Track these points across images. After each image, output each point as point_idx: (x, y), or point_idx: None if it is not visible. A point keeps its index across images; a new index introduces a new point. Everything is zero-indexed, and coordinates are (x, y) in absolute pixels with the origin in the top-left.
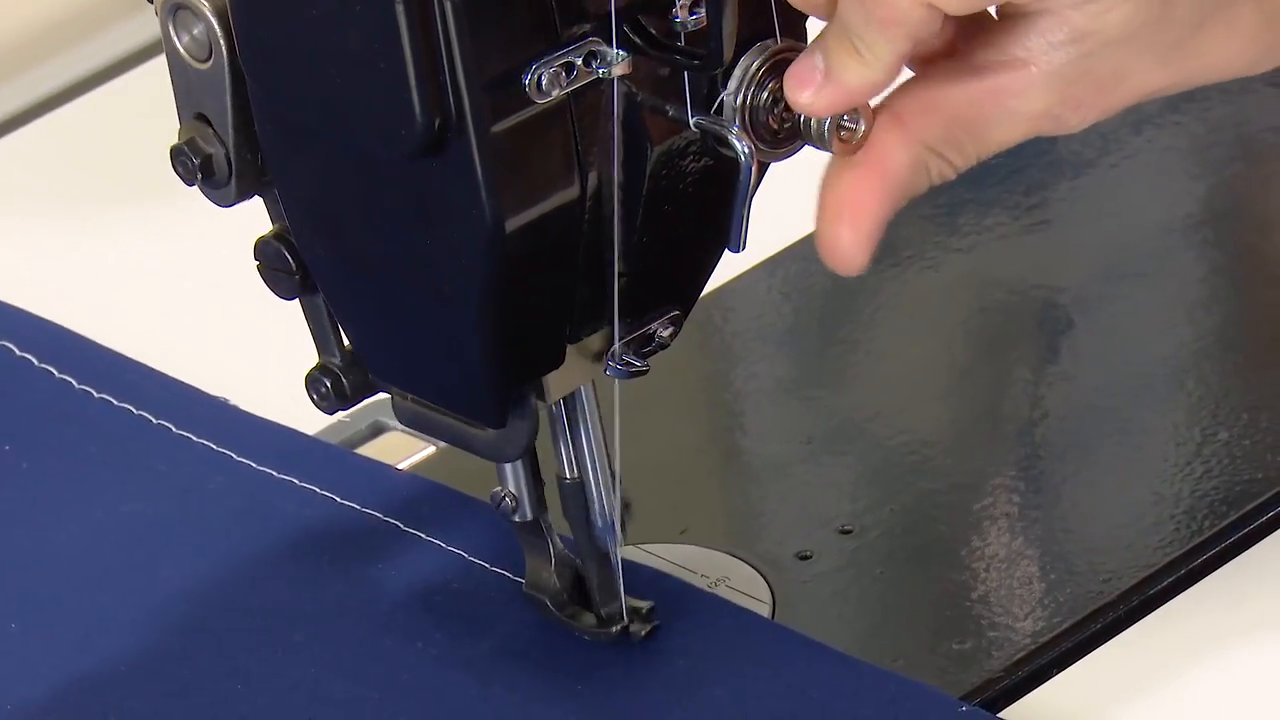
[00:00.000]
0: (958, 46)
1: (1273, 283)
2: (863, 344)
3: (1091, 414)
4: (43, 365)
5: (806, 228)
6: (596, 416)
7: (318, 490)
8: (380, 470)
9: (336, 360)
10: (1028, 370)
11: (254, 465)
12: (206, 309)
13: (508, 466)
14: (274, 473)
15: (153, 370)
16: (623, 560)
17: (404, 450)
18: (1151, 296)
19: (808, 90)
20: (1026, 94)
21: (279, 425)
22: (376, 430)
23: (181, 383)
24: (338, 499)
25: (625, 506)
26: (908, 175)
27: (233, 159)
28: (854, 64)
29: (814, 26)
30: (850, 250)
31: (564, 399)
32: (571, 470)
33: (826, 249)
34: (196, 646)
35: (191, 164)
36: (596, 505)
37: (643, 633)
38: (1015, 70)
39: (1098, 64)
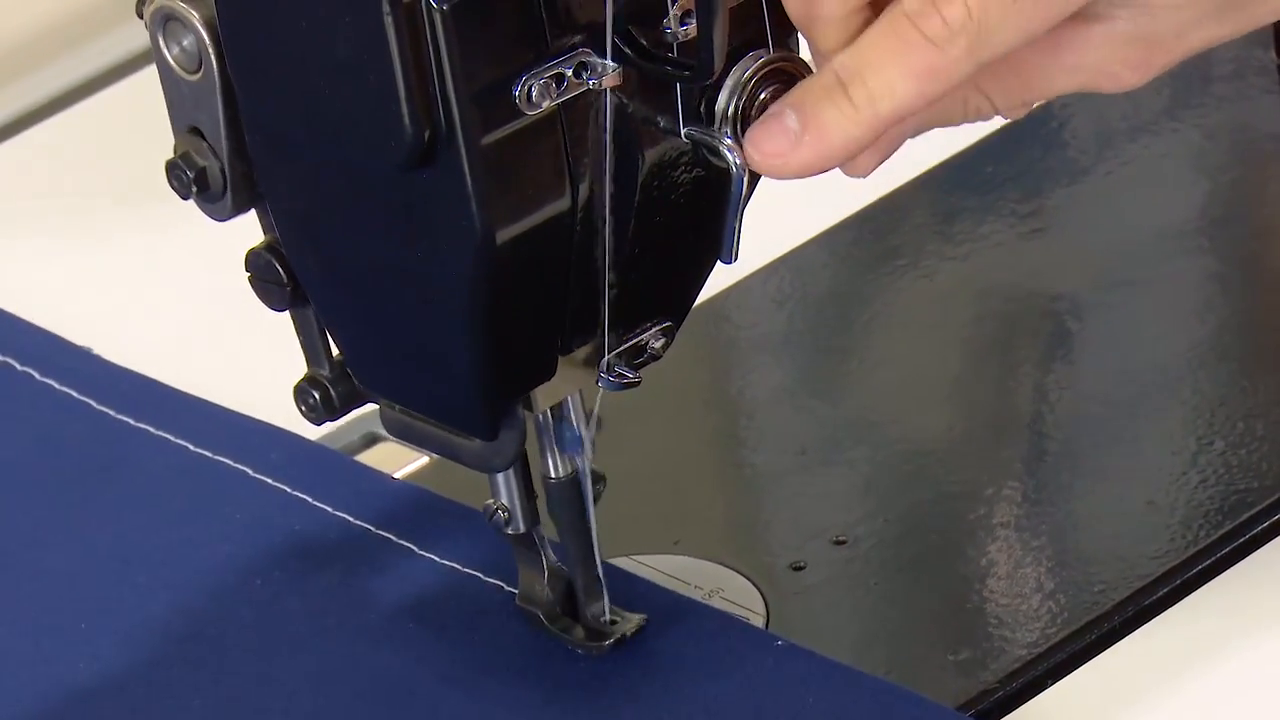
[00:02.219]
0: None
1: (1269, 290)
2: (857, 353)
3: (1087, 423)
4: (36, 375)
5: (799, 237)
6: (584, 425)
7: (311, 500)
8: (373, 478)
9: (325, 372)
10: (1023, 379)
11: (249, 473)
12: (200, 318)
13: (500, 479)
14: (269, 480)
15: (149, 379)
16: (617, 570)
17: (397, 461)
18: (1148, 304)
19: (782, 144)
20: (1084, 50)
21: (275, 428)
22: (370, 441)
23: (177, 391)
24: (330, 509)
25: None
26: (945, 105)
27: (227, 172)
28: (834, 111)
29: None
30: (863, 159)
31: (550, 408)
32: (557, 470)
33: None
34: (188, 659)
35: (186, 178)
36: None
37: (629, 631)
38: (1079, 26)
39: (1160, 24)
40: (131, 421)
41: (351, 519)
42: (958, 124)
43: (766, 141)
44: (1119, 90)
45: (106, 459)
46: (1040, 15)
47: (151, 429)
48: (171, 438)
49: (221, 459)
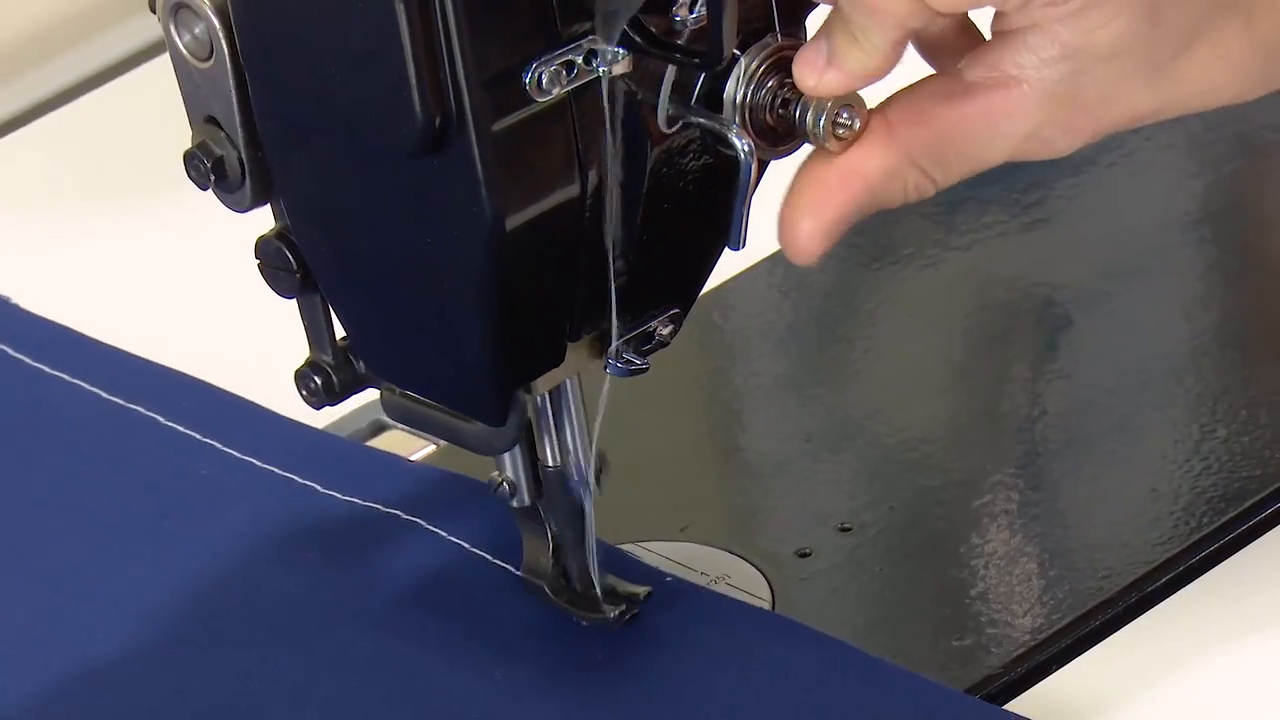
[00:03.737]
0: (957, 57)
1: (1271, 279)
2: (862, 342)
3: (1090, 411)
4: (45, 367)
5: None
6: (581, 409)
7: (319, 488)
8: (381, 459)
9: (328, 357)
10: (1026, 368)
11: (256, 463)
12: (209, 305)
13: (506, 453)
14: (277, 470)
15: (158, 365)
16: (623, 556)
17: (404, 448)
18: (1150, 294)
19: (813, 74)
20: (1017, 114)
21: (281, 416)
22: (377, 429)
23: (187, 376)
24: (338, 494)
25: (601, 461)
26: (883, 182)
27: (245, 161)
28: (854, 51)
29: (814, 22)
30: (806, 241)
31: (549, 391)
32: (554, 458)
33: (784, 232)
34: (194, 641)
35: (204, 167)
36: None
37: (641, 596)
38: (1008, 88)
39: (1087, 84)
40: (123, 402)
41: (359, 501)
42: (899, 204)
43: (804, 63)
44: (1052, 155)
45: (111, 446)
46: None
47: (142, 409)
48: (162, 419)
49: (231, 450)
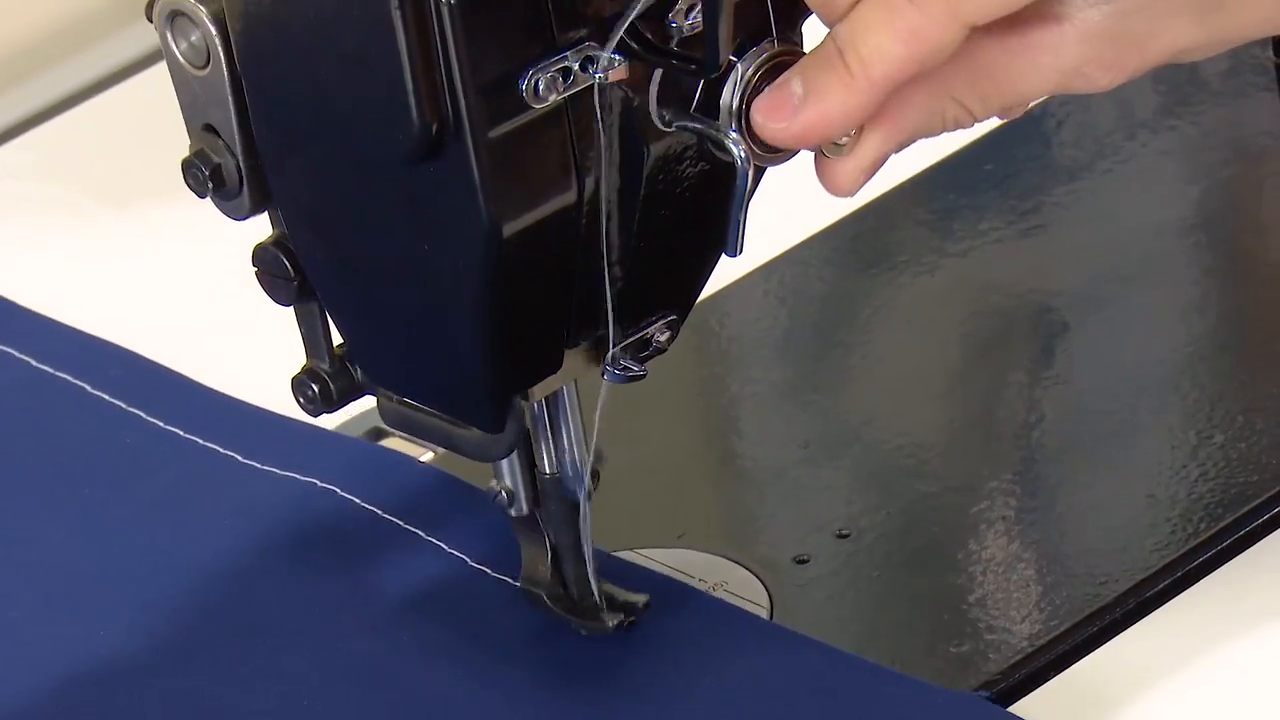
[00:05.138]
0: None
1: (1268, 286)
2: (859, 348)
3: (1087, 417)
4: (43, 366)
5: (802, 233)
6: (579, 415)
7: (318, 483)
8: (384, 457)
9: (325, 365)
10: (1023, 374)
11: (257, 465)
12: (209, 312)
13: (504, 461)
14: (297, 475)
15: (156, 365)
16: (621, 563)
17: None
18: (1146, 300)
19: (782, 117)
20: (1059, 50)
21: (282, 416)
22: (376, 436)
23: (174, 374)
24: (339, 491)
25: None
26: (923, 117)
27: (242, 169)
28: (834, 80)
29: (810, 32)
30: (847, 179)
31: (545, 398)
32: (551, 465)
33: (825, 174)
34: (193, 645)
35: (202, 175)
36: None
37: (640, 605)
38: (1050, 25)
39: (1133, 23)
40: (124, 406)
41: (360, 502)
42: (938, 134)
43: (772, 108)
44: (1091, 91)
45: (101, 443)
46: None
47: (143, 414)
48: (161, 423)
49: (231, 453)
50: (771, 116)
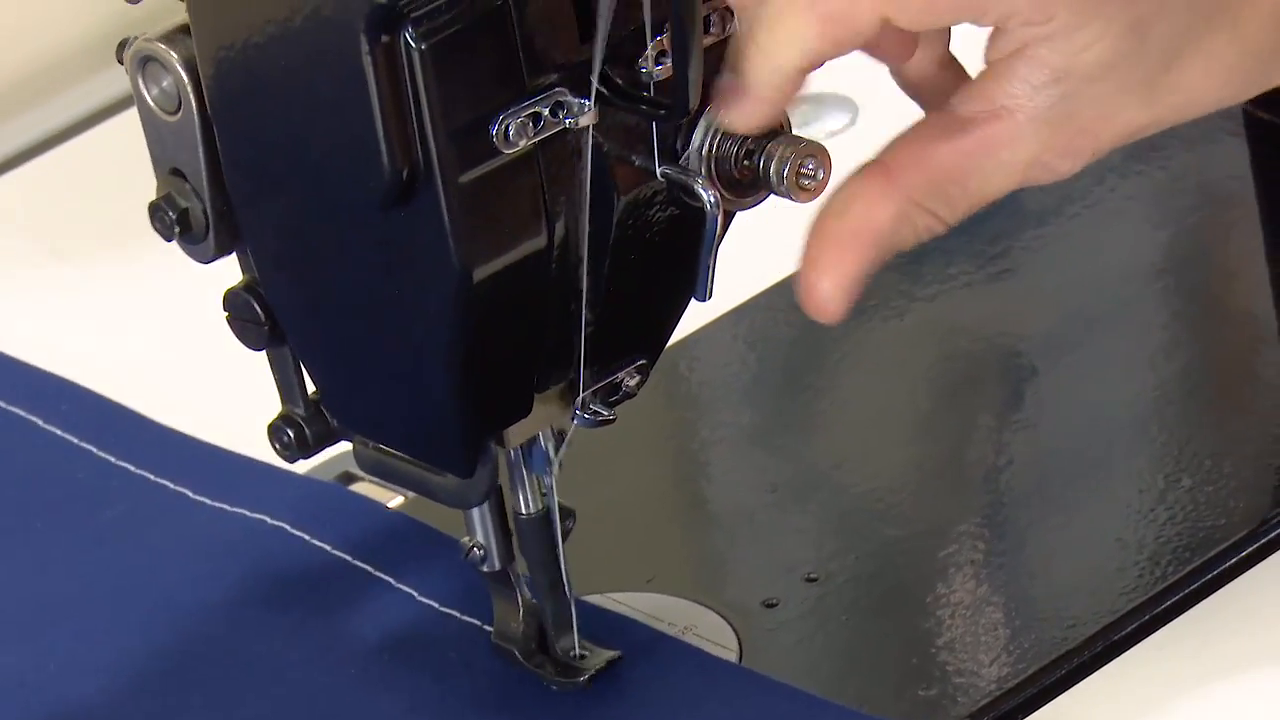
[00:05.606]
0: (947, 96)
1: (1235, 328)
2: (828, 392)
3: (1055, 460)
4: (15, 409)
5: (772, 278)
6: (556, 462)
7: (289, 528)
8: (355, 503)
9: (300, 410)
10: (991, 417)
11: (207, 501)
12: (181, 355)
13: (475, 516)
14: (247, 512)
15: (107, 400)
16: (591, 607)
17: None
18: (1115, 344)
19: (724, 106)
20: (1015, 143)
21: (233, 453)
22: (346, 480)
23: (132, 412)
24: (308, 538)
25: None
26: (892, 229)
27: (209, 213)
28: (752, 62)
29: None
30: (829, 299)
31: (521, 444)
32: (528, 506)
33: (806, 296)
34: (140, 680)
35: (169, 219)
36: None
37: (601, 666)
38: (1002, 119)
39: (1081, 105)
40: (75, 440)
41: (330, 549)
42: (911, 245)
43: (719, 98)
44: (1054, 179)
45: (52, 477)
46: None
47: (94, 449)
48: (112, 459)
49: (202, 498)
50: (719, 104)
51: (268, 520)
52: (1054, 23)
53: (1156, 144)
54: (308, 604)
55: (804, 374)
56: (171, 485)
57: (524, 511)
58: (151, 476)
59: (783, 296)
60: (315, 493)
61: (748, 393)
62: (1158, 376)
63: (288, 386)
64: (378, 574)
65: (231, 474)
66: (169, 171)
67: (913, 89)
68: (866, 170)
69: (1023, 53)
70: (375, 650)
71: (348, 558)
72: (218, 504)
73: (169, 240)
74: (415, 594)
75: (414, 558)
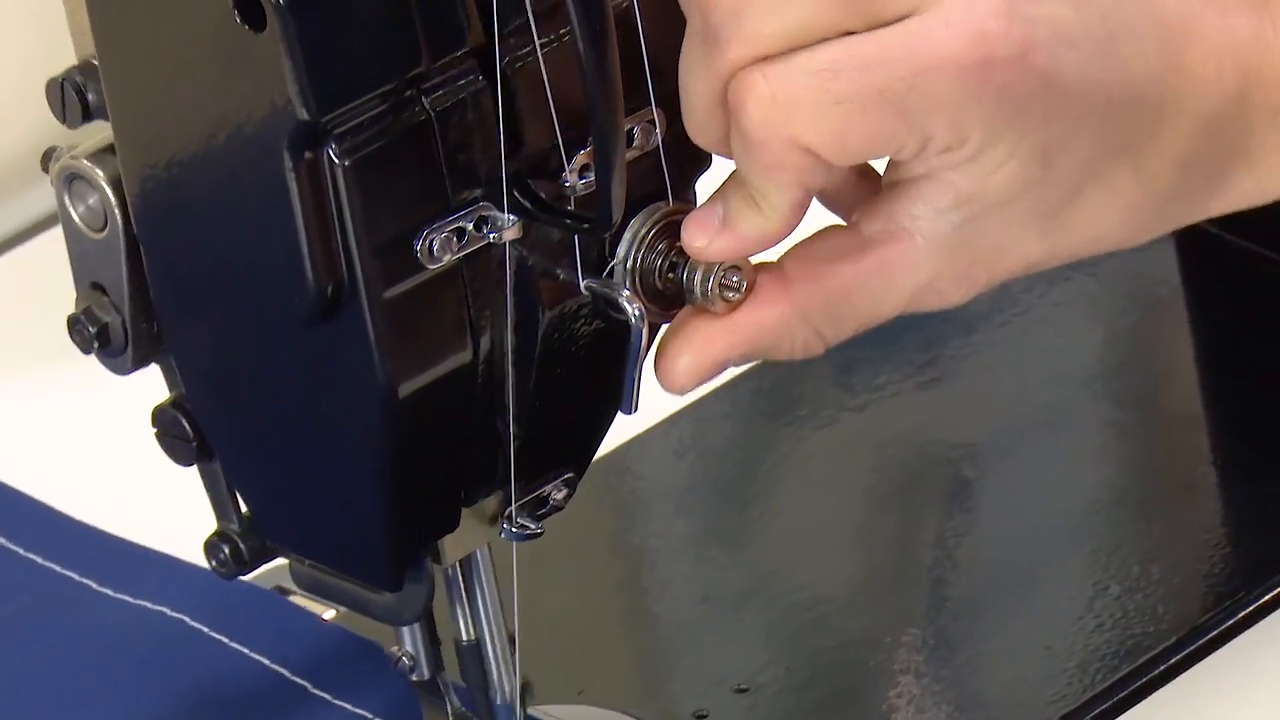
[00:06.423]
0: (854, 206)
1: (1166, 433)
2: (758, 502)
3: (986, 568)
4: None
5: (700, 389)
6: (493, 579)
7: (227, 641)
8: (290, 614)
9: (234, 526)
10: (923, 527)
11: (167, 611)
12: (114, 468)
13: (404, 626)
14: (187, 619)
15: (13, 490)
16: None
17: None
18: (1045, 450)
19: (704, 236)
20: (910, 266)
21: (192, 565)
22: (280, 594)
23: (39, 503)
24: (247, 651)
25: (525, 685)
26: (772, 336)
27: (129, 327)
28: (750, 213)
29: (707, 186)
30: (681, 374)
31: (460, 561)
32: (468, 633)
33: (662, 360)
34: None
35: (88, 333)
36: (494, 672)
37: None
38: (901, 241)
39: (980, 232)
40: (58, 569)
41: (268, 663)
42: (783, 358)
43: (697, 225)
44: (945, 306)
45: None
46: (856, 129)
47: (57, 566)
48: (21, 550)
49: (142, 602)
50: (695, 234)
51: (167, 611)
52: (967, 146)
53: None
54: (200, 690)
55: (734, 484)
56: (76, 577)
57: (464, 639)
58: (58, 568)
59: (712, 407)
60: (213, 583)
61: (678, 503)
62: (1087, 483)
63: (220, 502)
64: (273, 666)
65: (135, 565)
66: (89, 286)
67: (827, 198)
68: (764, 272)
69: (930, 174)
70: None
71: (274, 666)
72: (120, 595)
73: (87, 353)
74: (331, 698)
75: (339, 667)
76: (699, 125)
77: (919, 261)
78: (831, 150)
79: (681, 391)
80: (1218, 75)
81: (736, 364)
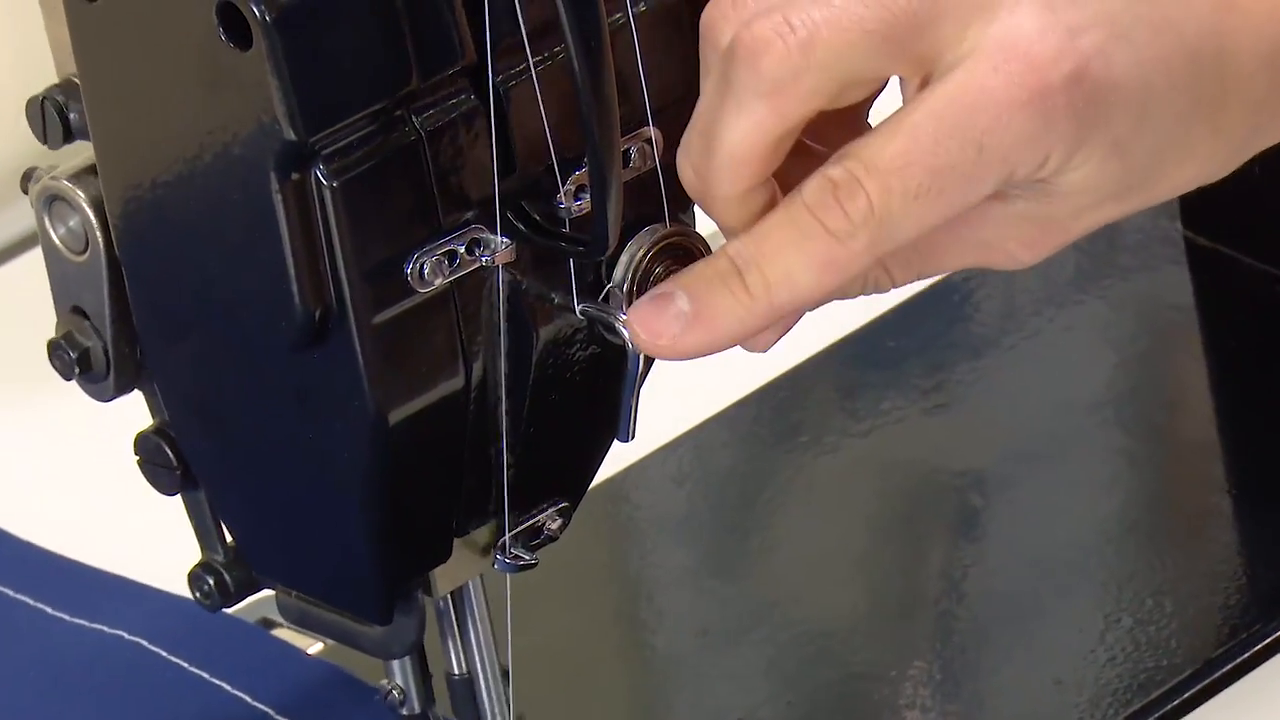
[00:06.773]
0: None
1: (1177, 462)
2: (759, 532)
3: (993, 600)
4: None
5: (699, 415)
6: (485, 611)
7: (207, 677)
8: (275, 651)
9: (219, 557)
10: (929, 556)
11: (145, 644)
12: (96, 498)
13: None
14: (163, 653)
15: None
16: None
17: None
18: (1054, 478)
19: (663, 335)
20: (982, 226)
21: (175, 596)
22: (266, 627)
23: (59, 556)
24: (227, 687)
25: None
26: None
27: (110, 352)
28: (733, 305)
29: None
30: (764, 335)
31: (451, 593)
32: (460, 666)
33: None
34: None
35: (69, 358)
36: (487, 707)
37: None
38: (972, 219)
39: (1058, 207)
40: (11, 593)
41: (249, 700)
42: (854, 297)
43: (654, 321)
44: (1013, 268)
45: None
46: (940, 209)
47: (30, 600)
48: (49, 609)
49: (118, 632)
50: (655, 330)
51: (124, 635)
52: (1045, 168)
53: (1098, 273)
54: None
55: (735, 513)
56: (30, 601)
57: (455, 672)
58: (11, 592)
59: (712, 433)
60: (172, 607)
61: (677, 532)
62: (1098, 512)
63: (205, 532)
64: (233, 691)
65: (90, 589)
66: (70, 310)
67: None
68: None
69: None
70: None
71: (201, 672)
72: (76, 620)
73: (68, 379)
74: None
75: (326, 706)
76: (725, 177)
77: (988, 224)
78: (915, 235)
79: (765, 349)
80: (1270, 10)
81: (811, 308)
